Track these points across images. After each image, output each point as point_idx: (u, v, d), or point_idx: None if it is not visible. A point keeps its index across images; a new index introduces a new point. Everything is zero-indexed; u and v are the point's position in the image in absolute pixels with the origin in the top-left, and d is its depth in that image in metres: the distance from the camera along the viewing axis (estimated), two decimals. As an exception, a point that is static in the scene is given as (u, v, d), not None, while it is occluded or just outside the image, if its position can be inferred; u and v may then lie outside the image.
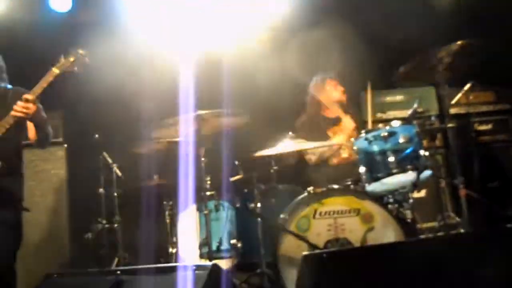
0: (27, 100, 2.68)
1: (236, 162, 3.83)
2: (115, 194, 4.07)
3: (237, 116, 3.35)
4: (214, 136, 3.58)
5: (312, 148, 3.50)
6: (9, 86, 2.98)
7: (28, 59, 3.72)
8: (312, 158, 3.68)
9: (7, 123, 2.73)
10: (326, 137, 3.68)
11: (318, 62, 4.14)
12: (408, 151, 2.95)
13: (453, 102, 4.25)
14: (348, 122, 3.75)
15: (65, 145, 4.12)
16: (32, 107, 2.70)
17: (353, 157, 3.56)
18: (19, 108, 2.69)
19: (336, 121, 3.79)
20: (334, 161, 3.68)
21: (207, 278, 2.10)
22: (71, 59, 2.86)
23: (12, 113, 2.70)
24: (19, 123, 2.79)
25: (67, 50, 2.87)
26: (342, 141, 3.63)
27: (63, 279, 2.42)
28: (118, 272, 2.22)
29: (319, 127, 3.73)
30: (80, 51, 2.89)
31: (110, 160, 4.11)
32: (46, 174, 4.02)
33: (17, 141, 2.92)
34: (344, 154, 3.66)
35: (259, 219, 3.25)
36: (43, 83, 2.78)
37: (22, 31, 4.12)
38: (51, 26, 4.20)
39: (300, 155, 3.72)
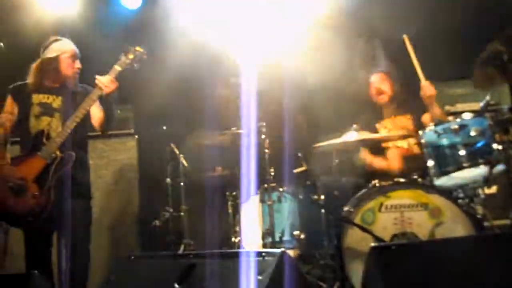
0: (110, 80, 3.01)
1: (299, 154, 3.86)
2: (181, 183, 4.23)
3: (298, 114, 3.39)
4: (278, 128, 3.62)
5: (372, 138, 3.45)
6: (80, 86, 3.18)
7: (98, 54, 3.92)
8: None
9: (84, 109, 2.97)
10: (373, 129, 3.61)
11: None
12: (479, 144, 2.84)
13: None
14: (403, 121, 3.64)
15: (136, 136, 4.31)
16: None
17: (414, 150, 3.49)
18: (109, 84, 2.99)
19: (388, 115, 3.70)
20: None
21: (276, 265, 2.14)
22: (131, 56, 3.11)
23: (104, 89, 2.98)
24: (84, 117, 3.03)
25: (127, 48, 3.12)
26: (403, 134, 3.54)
27: (139, 261, 2.55)
28: (191, 255, 2.32)
29: (369, 118, 3.68)
30: (138, 49, 3.13)
31: (177, 151, 4.28)
32: (118, 163, 4.21)
33: (81, 134, 3.13)
34: (404, 145, 3.57)
35: (322, 210, 3.26)
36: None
37: (93, 27, 4.35)
38: (121, 23, 4.41)
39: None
